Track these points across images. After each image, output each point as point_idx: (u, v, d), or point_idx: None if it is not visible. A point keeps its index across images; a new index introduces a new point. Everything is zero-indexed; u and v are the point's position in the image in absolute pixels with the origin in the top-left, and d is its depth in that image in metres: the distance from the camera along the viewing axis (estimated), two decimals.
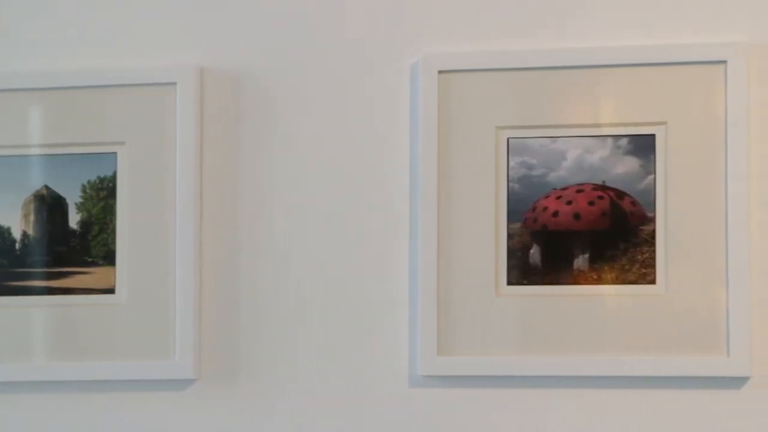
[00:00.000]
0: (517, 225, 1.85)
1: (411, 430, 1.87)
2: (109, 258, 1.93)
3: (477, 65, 1.85)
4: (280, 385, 1.90)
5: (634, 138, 1.83)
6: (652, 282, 1.82)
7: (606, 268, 1.83)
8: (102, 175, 1.93)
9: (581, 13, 1.86)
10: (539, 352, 1.83)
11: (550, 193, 1.85)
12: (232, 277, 1.91)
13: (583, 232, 1.84)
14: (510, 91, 1.85)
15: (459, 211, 1.85)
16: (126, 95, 1.92)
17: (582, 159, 1.84)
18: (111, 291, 1.93)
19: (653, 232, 1.82)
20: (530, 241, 1.85)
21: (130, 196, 1.92)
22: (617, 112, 1.83)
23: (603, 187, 1.83)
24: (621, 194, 1.83)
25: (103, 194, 1.93)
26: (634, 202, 1.83)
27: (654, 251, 1.82)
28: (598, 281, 1.83)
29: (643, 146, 1.83)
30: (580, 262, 1.84)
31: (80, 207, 1.94)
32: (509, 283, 1.85)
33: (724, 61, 1.80)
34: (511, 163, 1.85)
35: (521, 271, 1.85)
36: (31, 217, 1.94)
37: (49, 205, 1.94)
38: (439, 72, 1.86)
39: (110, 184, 1.93)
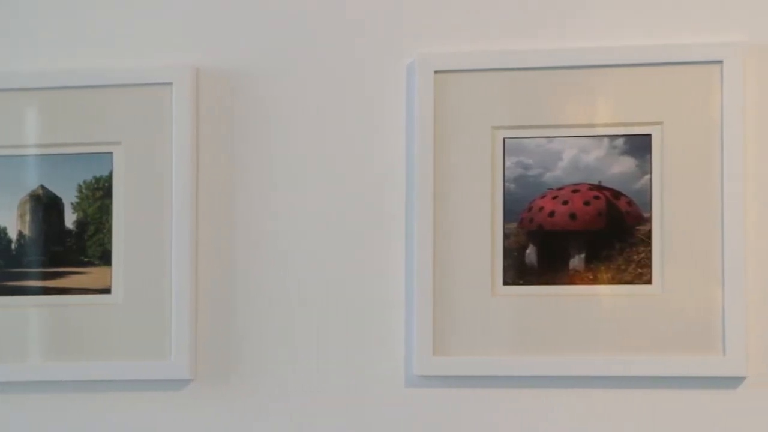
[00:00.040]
0: (513, 225, 1.85)
1: (407, 429, 1.87)
2: (105, 258, 1.93)
3: (473, 65, 1.85)
4: (275, 386, 1.90)
5: (630, 138, 1.83)
6: (648, 282, 1.82)
7: (602, 268, 1.83)
8: (98, 175, 1.93)
9: (577, 13, 1.86)
10: (535, 352, 1.83)
11: (546, 193, 1.84)
12: (228, 277, 1.91)
13: (579, 232, 1.83)
14: (506, 91, 1.85)
15: (455, 211, 1.85)
16: (122, 95, 1.92)
17: (578, 159, 1.84)
18: (107, 291, 1.92)
19: (649, 232, 1.82)
20: (526, 241, 1.85)
21: (126, 196, 1.92)
22: (613, 112, 1.83)
23: (599, 187, 1.83)
24: (617, 194, 1.83)
25: (99, 194, 1.93)
26: (630, 202, 1.83)
27: (650, 251, 1.82)
28: (594, 281, 1.83)
29: (639, 146, 1.82)
30: (576, 262, 1.83)
31: (76, 207, 1.93)
32: (505, 283, 1.85)
33: (720, 62, 1.80)
34: (507, 163, 1.85)
35: (517, 271, 1.85)
36: (27, 217, 1.94)
37: (45, 205, 1.94)
38: (435, 72, 1.86)
39: (106, 184, 1.93)
